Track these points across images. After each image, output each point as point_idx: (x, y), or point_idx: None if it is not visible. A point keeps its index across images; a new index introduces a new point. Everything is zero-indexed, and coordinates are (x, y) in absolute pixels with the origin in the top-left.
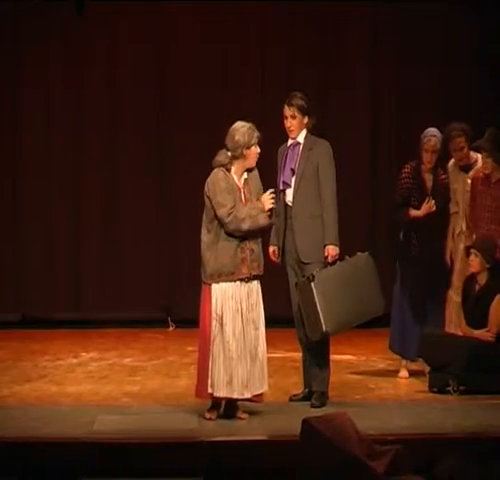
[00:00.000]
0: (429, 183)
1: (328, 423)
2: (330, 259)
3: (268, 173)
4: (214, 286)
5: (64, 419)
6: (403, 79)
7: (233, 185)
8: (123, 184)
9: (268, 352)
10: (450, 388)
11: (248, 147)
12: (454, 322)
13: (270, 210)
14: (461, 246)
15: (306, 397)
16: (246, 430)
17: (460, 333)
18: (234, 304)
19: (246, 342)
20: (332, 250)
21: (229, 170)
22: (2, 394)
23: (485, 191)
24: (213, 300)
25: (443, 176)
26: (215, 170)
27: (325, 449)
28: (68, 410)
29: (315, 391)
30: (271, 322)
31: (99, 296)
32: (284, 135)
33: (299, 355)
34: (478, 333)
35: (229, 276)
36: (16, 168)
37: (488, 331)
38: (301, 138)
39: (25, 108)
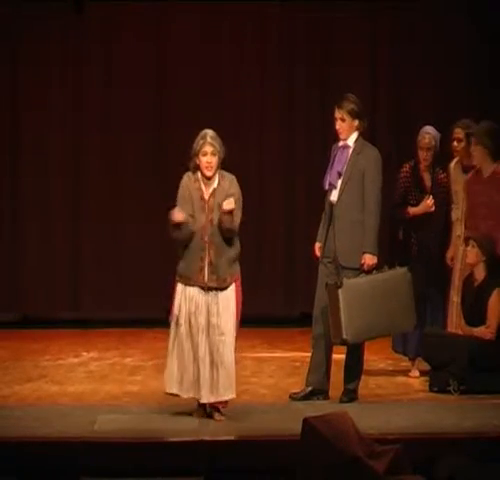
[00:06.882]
0: (428, 182)
1: (328, 423)
2: (366, 268)
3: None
4: (178, 285)
5: (64, 419)
6: (403, 78)
7: (193, 192)
8: (123, 183)
9: (268, 352)
10: (450, 388)
11: (197, 155)
12: (454, 323)
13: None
14: (461, 248)
15: (306, 396)
16: (246, 430)
17: (460, 333)
18: (191, 307)
19: (203, 347)
20: (369, 259)
21: (196, 175)
22: (2, 394)
23: (479, 188)
24: (176, 299)
25: (442, 175)
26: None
27: (325, 449)
28: (68, 410)
29: (346, 388)
30: (272, 322)
31: (99, 296)
32: (284, 135)
33: (299, 355)
34: (478, 331)
35: (187, 280)
36: (15, 168)
37: (487, 327)
38: (351, 141)
39: (24, 108)
